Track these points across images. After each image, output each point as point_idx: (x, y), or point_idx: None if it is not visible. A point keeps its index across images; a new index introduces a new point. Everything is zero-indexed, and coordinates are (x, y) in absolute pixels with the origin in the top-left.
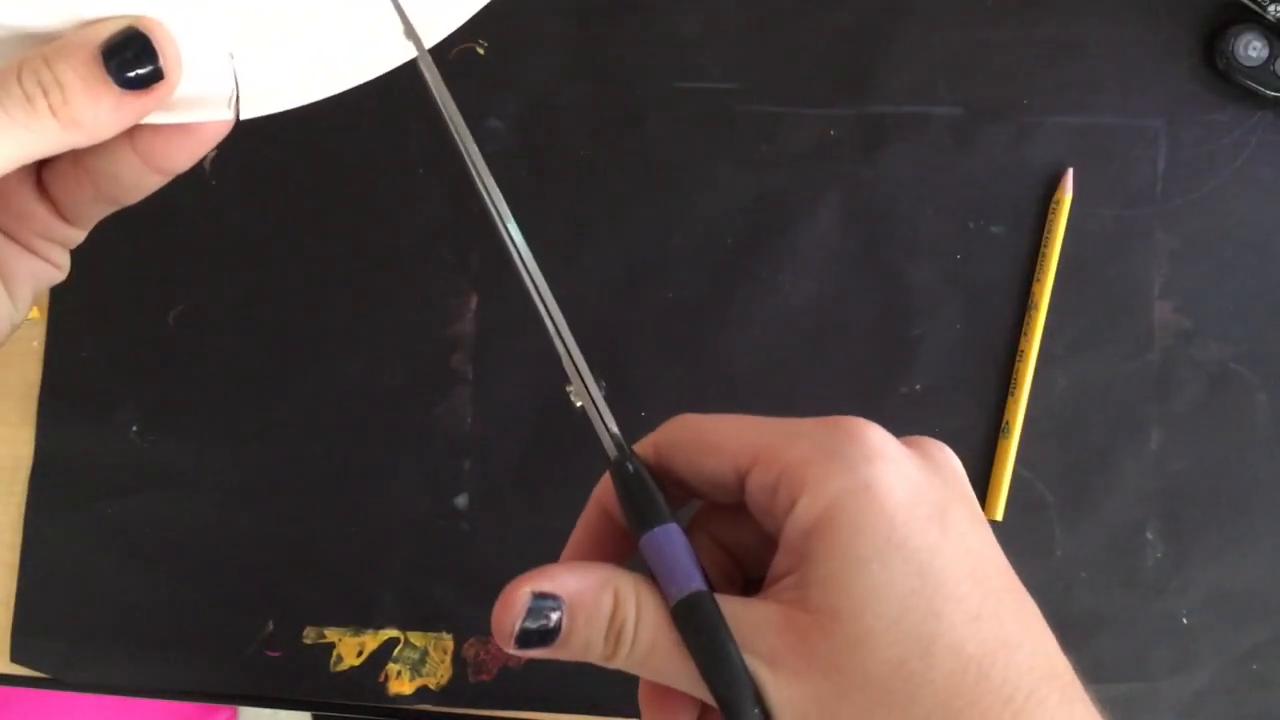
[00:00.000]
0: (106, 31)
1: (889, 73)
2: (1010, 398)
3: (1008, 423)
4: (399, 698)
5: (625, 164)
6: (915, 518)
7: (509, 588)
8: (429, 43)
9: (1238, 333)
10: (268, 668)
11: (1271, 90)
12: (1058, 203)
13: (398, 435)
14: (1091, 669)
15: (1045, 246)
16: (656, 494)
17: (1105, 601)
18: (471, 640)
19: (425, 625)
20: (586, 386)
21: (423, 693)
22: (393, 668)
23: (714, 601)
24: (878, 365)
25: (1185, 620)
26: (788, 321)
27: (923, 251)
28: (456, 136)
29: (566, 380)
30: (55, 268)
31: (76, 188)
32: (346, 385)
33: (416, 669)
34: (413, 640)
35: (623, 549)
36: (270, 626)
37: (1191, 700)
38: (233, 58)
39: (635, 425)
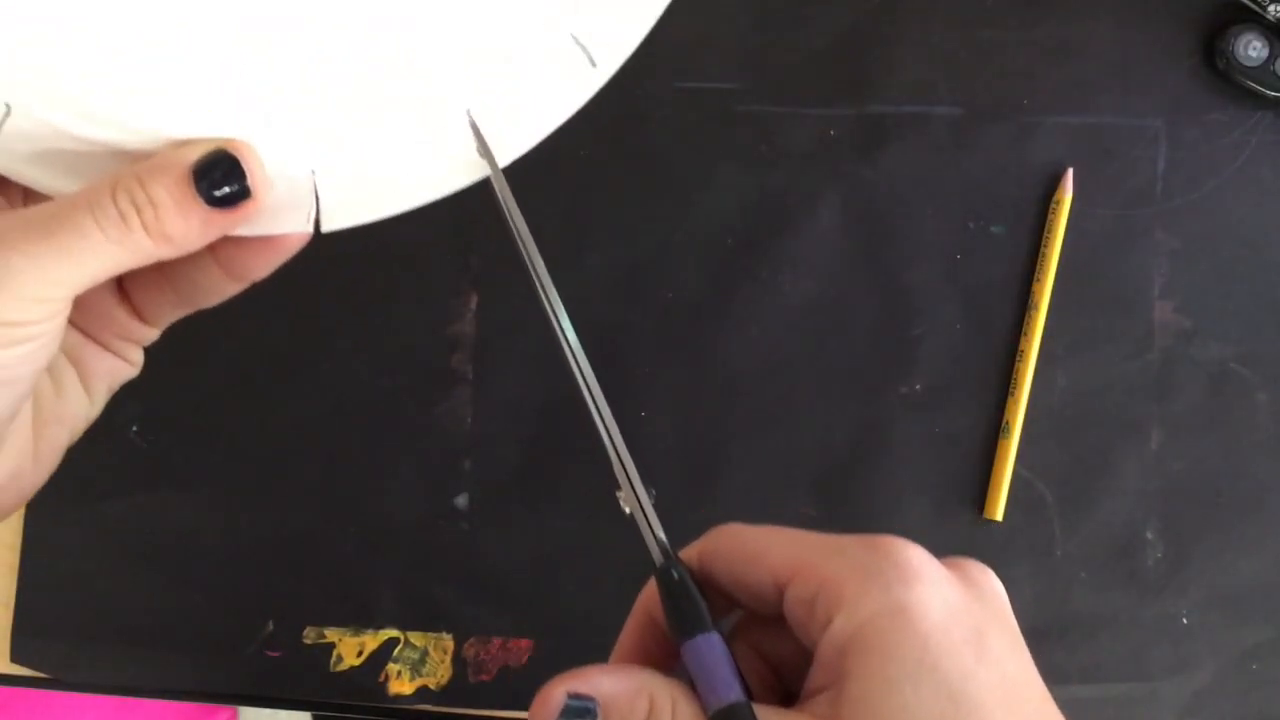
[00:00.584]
0: (197, 152)
1: (889, 73)
2: (1010, 398)
3: (1008, 423)
4: (399, 698)
5: (625, 164)
6: (950, 641)
7: (545, 687)
8: (503, 162)
9: (1238, 333)
10: (267, 668)
11: (1272, 90)
12: (1058, 203)
13: (398, 435)
14: (1091, 669)
15: (1045, 246)
16: (699, 602)
17: (1105, 601)
18: (471, 640)
19: (425, 625)
20: (636, 494)
21: (423, 693)
22: (393, 668)
23: (751, 712)
24: (878, 365)
25: (1185, 620)
26: (788, 321)
27: (923, 251)
28: (524, 252)
29: (616, 484)
30: (130, 364)
31: (156, 293)
32: (346, 385)
33: (416, 669)
34: (413, 640)
35: (667, 654)
36: (270, 626)
37: (1191, 700)
38: (315, 174)
39: (635, 425)
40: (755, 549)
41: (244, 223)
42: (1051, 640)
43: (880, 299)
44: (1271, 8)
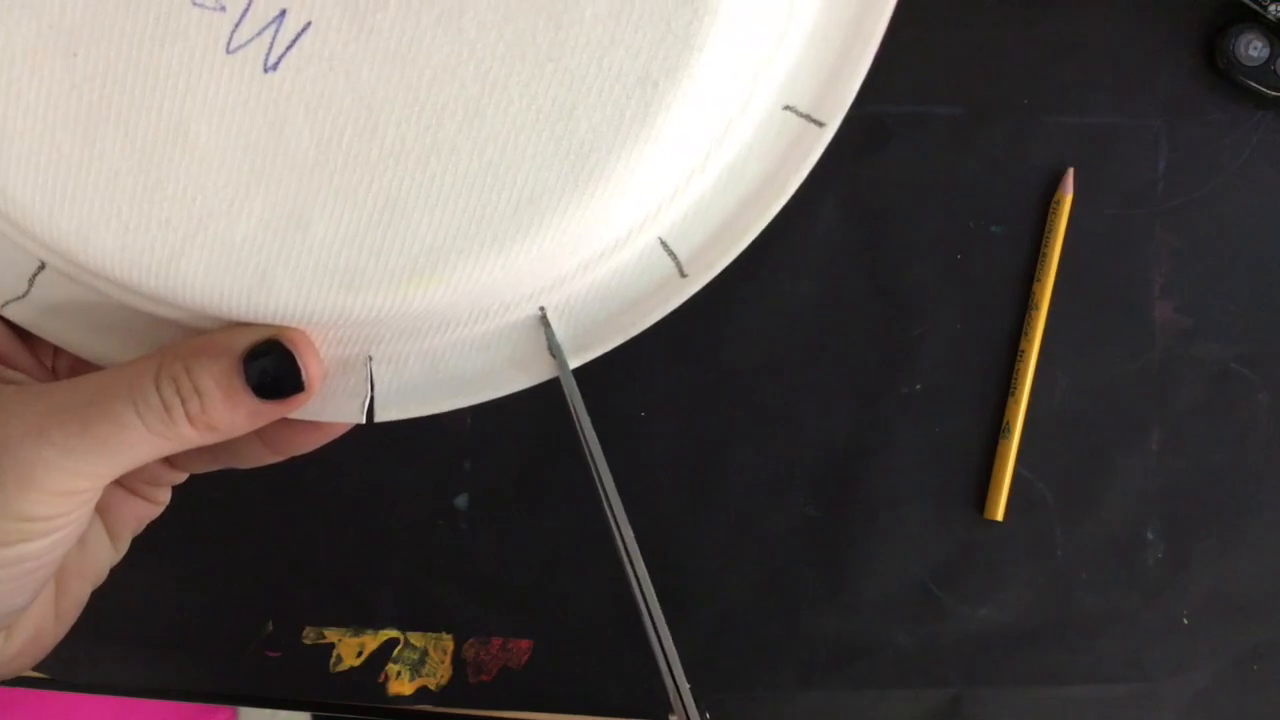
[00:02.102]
0: (249, 340)
1: (889, 72)
2: (1011, 398)
3: (1008, 423)
4: (398, 698)
5: None
6: None
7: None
8: (575, 363)
9: (1239, 333)
10: (267, 668)
11: (1272, 90)
12: (1058, 202)
13: (398, 435)
14: (1091, 669)
15: (1046, 246)
16: None
17: (1106, 602)
18: (471, 641)
19: (425, 625)
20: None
21: (422, 693)
22: (392, 668)
23: None
24: (878, 365)
25: (1186, 621)
26: (788, 321)
27: (923, 251)
28: (589, 455)
29: (669, 709)
30: (157, 504)
31: (194, 454)
32: None
33: (416, 669)
34: (412, 641)
35: None
36: (270, 627)
37: (1192, 701)
38: (371, 360)
39: (635, 425)
40: None
41: (293, 412)
42: (1052, 641)
43: (880, 299)
44: (1272, 7)
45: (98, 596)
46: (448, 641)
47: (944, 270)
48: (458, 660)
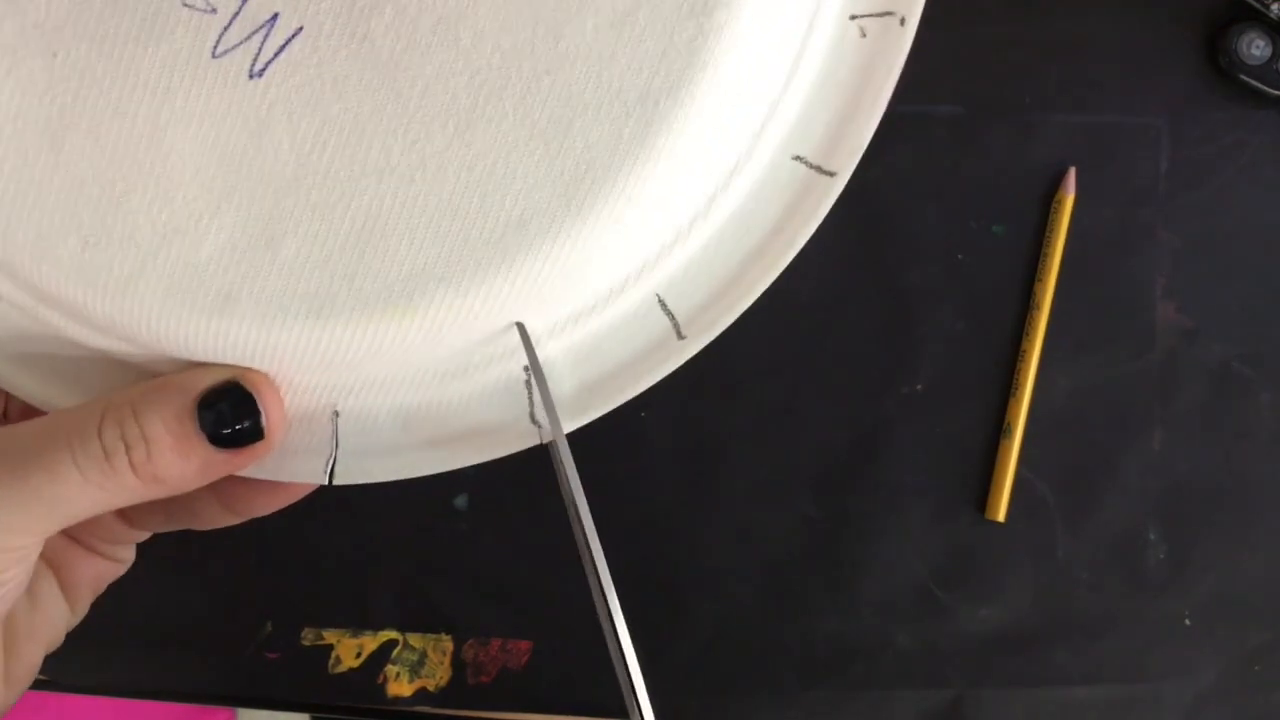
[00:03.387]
0: (206, 381)
1: None
2: (1012, 398)
3: (1009, 423)
4: (398, 699)
5: None
6: None
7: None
8: (569, 427)
9: (1241, 333)
10: (266, 669)
11: (1274, 89)
12: (1059, 202)
13: None
14: (1093, 670)
15: (1047, 246)
16: None
17: (1107, 603)
18: (471, 642)
19: (424, 627)
20: None
21: (421, 694)
22: (391, 669)
23: None
24: (878, 365)
25: (1188, 622)
26: (788, 321)
27: (923, 251)
28: (579, 529)
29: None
30: (119, 563)
31: (147, 510)
32: None
33: (415, 670)
34: (411, 642)
35: None
36: (268, 628)
37: (1193, 702)
38: (337, 416)
39: (635, 425)
40: None
41: (251, 465)
42: (1053, 642)
43: (880, 299)
44: (1274, 6)
45: (98, 598)
46: (447, 642)
47: (945, 270)
48: (457, 661)
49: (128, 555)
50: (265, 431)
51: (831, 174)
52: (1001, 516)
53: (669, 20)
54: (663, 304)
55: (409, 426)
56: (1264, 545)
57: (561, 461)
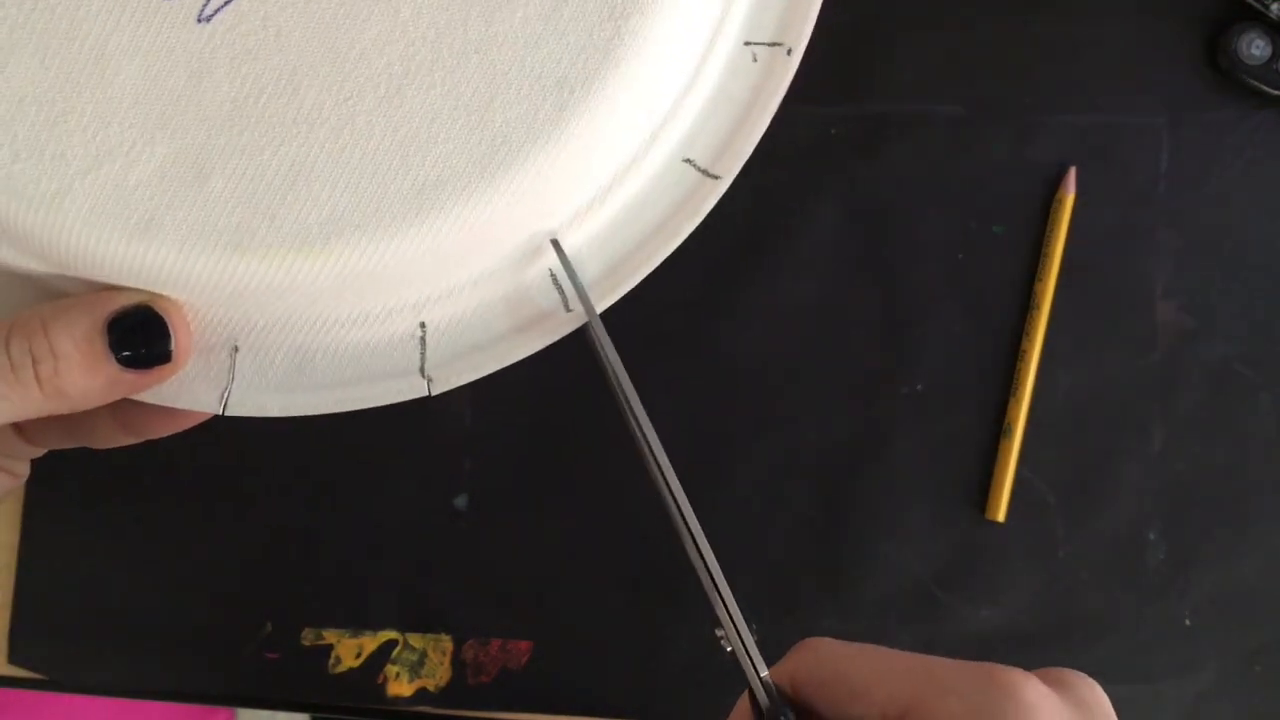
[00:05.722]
0: (119, 302)
1: (889, 71)
2: (1012, 398)
3: (1010, 423)
4: (398, 699)
5: None
6: None
7: None
8: (440, 388)
9: (1241, 332)
10: (266, 669)
11: (1274, 89)
12: (1060, 202)
13: (398, 435)
14: (1093, 671)
15: (1047, 246)
16: None
17: (1107, 603)
18: (470, 642)
19: (424, 627)
20: (741, 636)
21: (421, 694)
22: (391, 669)
23: None
24: (878, 365)
25: (1188, 622)
26: (788, 321)
27: (923, 251)
28: (626, 405)
29: (716, 623)
30: (13, 476)
31: (44, 426)
32: None
33: (415, 670)
34: (412, 642)
35: None
36: (268, 628)
37: (1194, 702)
38: (236, 351)
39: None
40: (858, 683)
41: (155, 386)
42: (1053, 641)
43: (880, 299)
44: (1274, 6)
45: (96, 598)
46: (447, 642)
47: (945, 270)
48: (457, 661)
49: (22, 470)
50: (173, 356)
51: (716, 177)
52: (1001, 516)
53: (591, 19)
54: (555, 280)
55: (304, 368)
56: (1264, 545)
57: (601, 344)
